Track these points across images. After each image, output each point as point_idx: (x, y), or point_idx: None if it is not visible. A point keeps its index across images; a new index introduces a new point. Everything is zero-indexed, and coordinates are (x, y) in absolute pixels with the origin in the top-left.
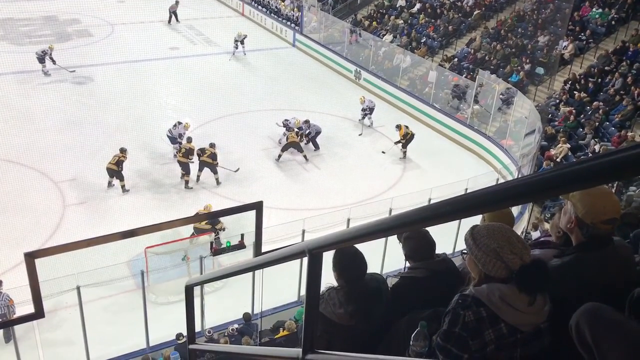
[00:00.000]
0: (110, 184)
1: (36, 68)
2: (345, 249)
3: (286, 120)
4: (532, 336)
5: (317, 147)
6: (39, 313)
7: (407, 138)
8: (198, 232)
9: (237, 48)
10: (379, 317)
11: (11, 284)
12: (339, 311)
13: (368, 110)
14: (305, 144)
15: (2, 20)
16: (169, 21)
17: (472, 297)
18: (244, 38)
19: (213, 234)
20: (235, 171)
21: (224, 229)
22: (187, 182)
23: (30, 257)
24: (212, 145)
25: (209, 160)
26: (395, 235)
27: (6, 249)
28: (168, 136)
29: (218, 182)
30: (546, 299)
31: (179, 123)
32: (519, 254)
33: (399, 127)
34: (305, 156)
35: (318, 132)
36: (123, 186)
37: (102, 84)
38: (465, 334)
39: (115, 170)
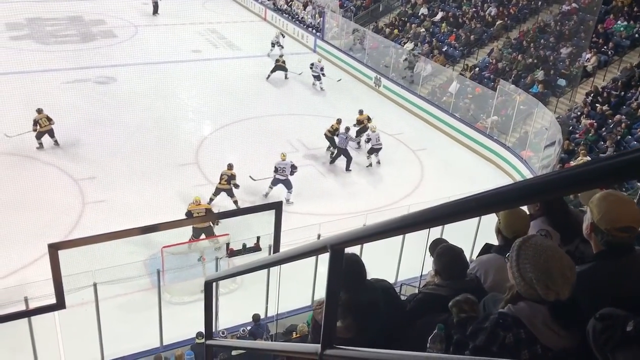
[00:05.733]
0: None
1: (60, 67)
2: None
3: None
4: (561, 354)
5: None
6: (60, 304)
7: (361, 126)
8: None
9: (273, 48)
10: (378, 330)
11: (30, 279)
12: None
13: (377, 146)
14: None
15: (29, 20)
16: (154, 12)
17: (512, 318)
18: (282, 38)
19: (213, 224)
20: (338, 81)
21: (217, 224)
22: (236, 202)
23: (54, 249)
24: (230, 167)
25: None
26: (417, 242)
27: (23, 246)
28: (314, 75)
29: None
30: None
31: (312, 64)
32: (554, 290)
33: (361, 112)
34: (332, 153)
35: (344, 150)
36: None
37: (123, 84)
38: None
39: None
